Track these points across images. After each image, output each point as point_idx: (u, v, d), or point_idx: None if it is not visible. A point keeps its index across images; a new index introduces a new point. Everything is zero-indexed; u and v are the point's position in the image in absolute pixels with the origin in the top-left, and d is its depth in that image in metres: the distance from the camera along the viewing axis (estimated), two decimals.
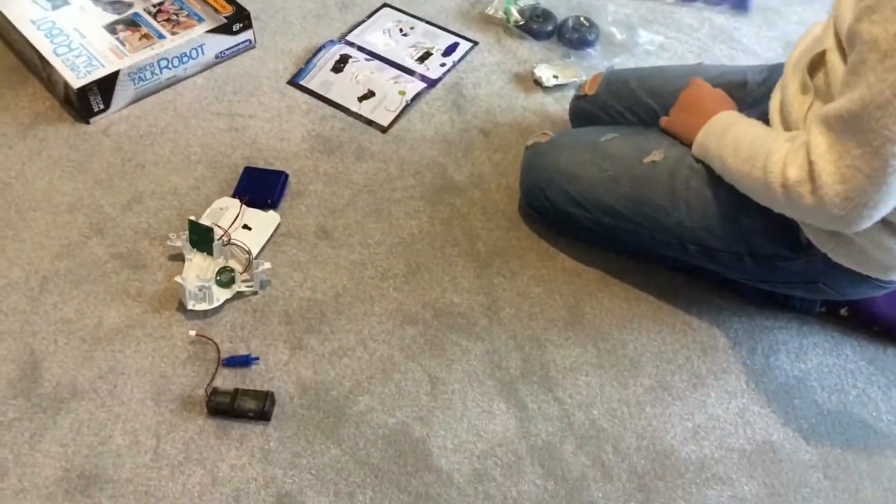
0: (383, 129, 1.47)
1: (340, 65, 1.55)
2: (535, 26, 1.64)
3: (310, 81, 1.53)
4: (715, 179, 1.08)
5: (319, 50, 1.58)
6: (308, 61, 1.56)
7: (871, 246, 0.98)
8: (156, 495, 1.01)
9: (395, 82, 1.53)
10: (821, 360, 1.20)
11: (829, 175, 0.86)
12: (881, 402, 1.16)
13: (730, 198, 1.06)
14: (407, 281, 1.25)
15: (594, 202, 1.18)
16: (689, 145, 1.13)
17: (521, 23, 1.65)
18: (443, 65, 1.58)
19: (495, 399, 1.13)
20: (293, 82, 1.53)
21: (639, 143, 1.18)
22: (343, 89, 1.52)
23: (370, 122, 1.48)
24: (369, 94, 1.51)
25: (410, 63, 1.58)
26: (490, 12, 1.69)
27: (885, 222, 0.94)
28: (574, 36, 1.62)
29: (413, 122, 1.48)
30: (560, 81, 1.55)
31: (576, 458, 1.07)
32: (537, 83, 1.56)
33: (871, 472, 1.09)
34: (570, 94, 1.50)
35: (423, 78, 1.56)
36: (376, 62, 1.57)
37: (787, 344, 1.21)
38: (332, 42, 1.60)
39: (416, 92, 1.52)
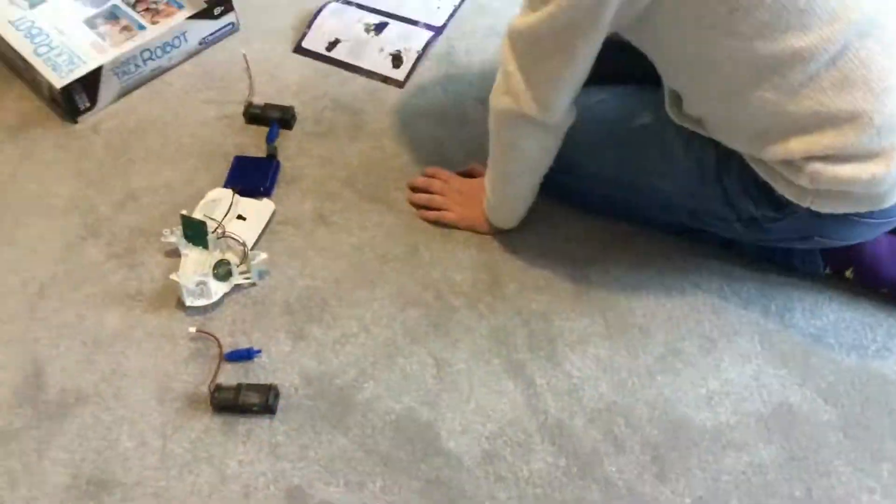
0: (400, 84, 1.44)
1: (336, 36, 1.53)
2: None
3: (315, 45, 1.51)
4: (699, 145, 1.05)
5: (318, 13, 1.55)
6: (309, 24, 1.54)
7: (833, 185, 0.95)
8: (165, 496, 1.00)
9: (401, 35, 1.51)
10: (837, 315, 1.16)
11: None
12: None
13: (713, 162, 1.04)
14: (407, 262, 1.22)
15: (582, 168, 1.16)
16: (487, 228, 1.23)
17: None
18: (439, 8, 1.57)
19: (503, 377, 1.11)
20: (300, 49, 1.51)
21: (627, 105, 1.16)
22: (352, 49, 1.50)
23: (386, 79, 1.45)
24: (381, 50, 1.50)
25: (413, 12, 1.56)
26: None
27: (820, 158, 0.92)
28: None
29: (406, 96, 1.44)
30: None
31: (587, 433, 1.05)
32: None
33: (892, 429, 1.06)
34: None
35: (427, 26, 1.53)
36: (378, 17, 1.55)
37: (802, 301, 1.17)
38: (328, 3, 1.57)
39: (425, 41, 1.49)
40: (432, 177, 1.28)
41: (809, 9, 0.84)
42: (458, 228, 1.24)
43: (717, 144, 1.04)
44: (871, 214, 0.99)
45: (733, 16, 0.85)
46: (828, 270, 1.17)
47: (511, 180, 1.15)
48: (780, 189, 0.99)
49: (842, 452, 1.04)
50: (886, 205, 0.97)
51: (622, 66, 1.23)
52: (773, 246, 1.15)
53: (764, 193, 1.02)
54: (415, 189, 1.28)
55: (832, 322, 1.15)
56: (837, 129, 0.90)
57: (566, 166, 1.15)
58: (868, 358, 1.12)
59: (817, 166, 0.93)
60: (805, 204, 0.99)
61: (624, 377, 1.10)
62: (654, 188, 1.12)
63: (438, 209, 1.25)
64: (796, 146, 0.93)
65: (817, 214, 0.99)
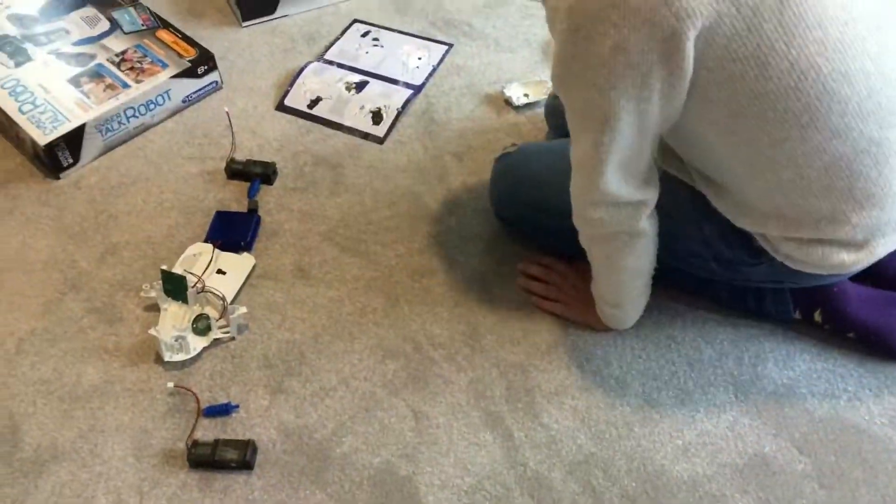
0: (380, 140, 1.47)
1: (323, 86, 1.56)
2: None
3: (297, 103, 1.55)
4: (679, 185, 1.09)
5: (300, 72, 1.59)
6: (291, 83, 1.57)
7: (815, 265, 1.00)
8: None
9: (381, 94, 1.55)
10: (809, 365, 1.18)
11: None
12: (873, 404, 1.14)
13: (693, 204, 1.07)
14: (386, 315, 1.24)
15: (560, 209, 1.17)
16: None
17: None
18: (418, 68, 1.62)
19: (481, 430, 1.11)
20: (282, 106, 1.54)
21: None
22: (333, 106, 1.54)
23: (366, 136, 1.48)
24: (362, 108, 1.53)
25: (392, 72, 1.60)
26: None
27: (816, 242, 0.98)
28: None
29: (386, 152, 1.47)
30: (531, 100, 1.54)
31: (565, 486, 1.06)
32: (508, 103, 1.55)
33: (866, 479, 1.07)
34: (541, 112, 1.50)
35: (407, 85, 1.57)
36: (359, 76, 1.59)
37: (773, 352, 1.19)
38: (310, 63, 1.61)
39: (404, 99, 1.53)
40: (548, 267, 1.26)
41: (812, 124, 0.87)
42: (571, 321, 1.23)
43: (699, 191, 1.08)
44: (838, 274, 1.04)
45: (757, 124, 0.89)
46: (797, 315, 1.20)
47: (619, 289, 1.13)
48: (762, 242, 1.03)
49: (817, 502, 1.05)
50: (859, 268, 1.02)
51: None
52: (746, 286, 1.18)
53: (741, 240, 1.05)
54: (529, 275, 1.27)
55: (804, 372, 1.17)
56: (815, 223, 0.96)
57: (548, 206, 1.18)
58: (840, 408, 1.14)
59: (791, 247, 0.99)
60: (779, 258, 1.03)
61: (602, 428, 1.11)
62: None
63: (555, 300, 1.24)
64: (773, 228, 0.99)
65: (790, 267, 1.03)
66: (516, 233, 1.32)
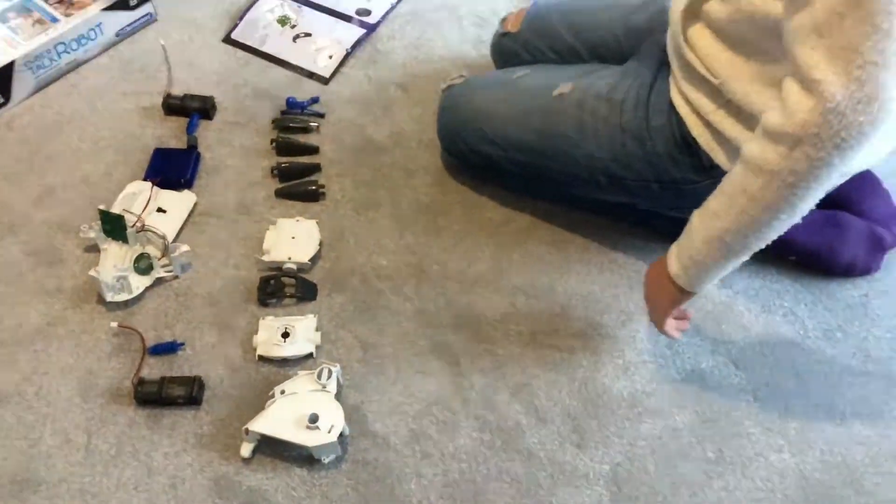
0: (325, 81, 1.44)
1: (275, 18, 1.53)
2: None
3: (245, 37, 1.51)
4: (620, 105, 1.09)
5: (253, 4, 1.55)
6: (241, 17, 1.53)
7: None
8: (91, 491, 1.00)
9: (332, 30, 1.51)
10: (746, 283, 1.21)
11: (844, 87, 0.73)
12: (807, 319, 1.18)
13: (634, 123, 1.07)
14: (333, 248, 1.23)
15: (507, 139, 1.18)
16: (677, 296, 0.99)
17: None
18: (368, 10, 1.56)
19: (428, 358, 1.13)
20: (229, 39, 1.50)
21: (550, 77, 1.18)
22: (279, 41, 1.50)
23: (311, 75, 1.45)
24: (307, 47, 1.48)
25: (346, 8, 1.56)
26: None
27: None
28: None
29: (330, 84, 1.45)
30: None
31: (510, 407, 1.08)
32: None
33: (798, 390, 1.11)
34: (488, 40, 1.47)
35: (361, 24, 1.53)
36: (311, 11, 1.55)
37: None
38: None
39: (356, 39, 1.49)
40: None
41: None
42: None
43: (647, 109, 1.06)
44: None
45: None
46: None
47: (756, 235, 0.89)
48: (718, 157, 1.00)
49: (751, 414, 1.09)
50: None
51: None
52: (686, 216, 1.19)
53: (688, 157, 1.05)
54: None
55: (741, 289, 1.20)
56: None
57: (494, 138, 1.18)
58: (776, 323, 1.17)
59: None
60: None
61: (545, 352, 1.13)
62: (574, 156, 1.13)
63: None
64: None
65: None
66: (462, 164, 1.31)
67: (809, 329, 1.17)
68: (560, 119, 1.14)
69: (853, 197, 1.20)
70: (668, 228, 1.22)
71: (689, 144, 1.03)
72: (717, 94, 0.97)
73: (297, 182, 1.29)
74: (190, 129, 1.34)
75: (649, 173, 1.10)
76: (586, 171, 1.14)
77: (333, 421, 0.99)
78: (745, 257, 0.91)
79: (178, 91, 1.40)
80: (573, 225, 1.26)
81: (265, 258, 1.19)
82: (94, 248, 1.20)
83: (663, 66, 1.08)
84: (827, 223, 1.19)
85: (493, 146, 1.20)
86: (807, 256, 1.20)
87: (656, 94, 1.07)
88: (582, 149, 1.12)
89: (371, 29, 1.52)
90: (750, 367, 1.13)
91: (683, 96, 1.03)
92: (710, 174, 1.04)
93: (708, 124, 1.00)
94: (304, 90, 1.43)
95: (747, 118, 0.95)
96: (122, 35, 1.48)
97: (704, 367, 1.12)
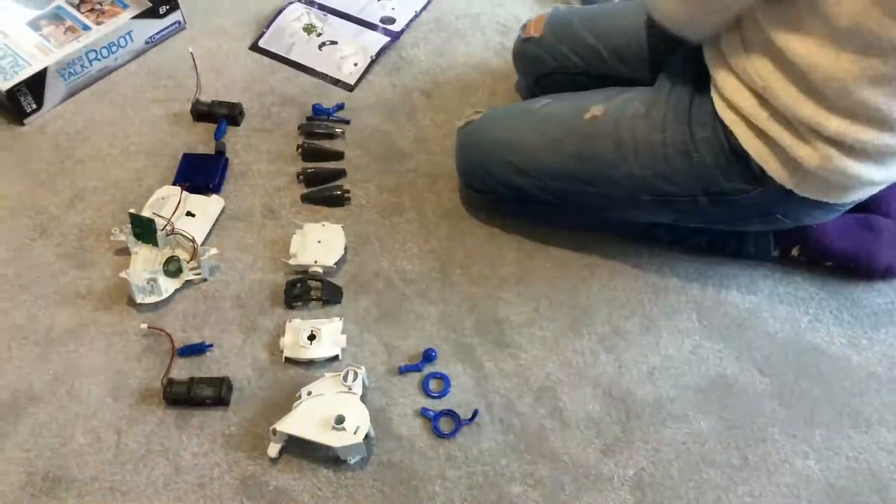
0: (350, 88, 1.46)
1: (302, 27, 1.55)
2: None
3: (271, 45, 1.53)
4: (661, 121, 1.07)
5: (280, 12, 1.57)
6: (267, 26, 1.55)
7: (834, 175, 0.96)
8: (121, 490, 1.02)
9: (357, 38, 1.53)
10: (772, 290, 1.21)
11: None
12: (833, 325, 1.17)
13: (678, 137, 1.05)
14: (357, 252, 1.25)
15: (539, 167, 1.15)
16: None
17: None
18: (392, 18, 1.58)
19: (452, 362, 1.13)
20: (256, 47, 1.53)
21: (576, 103, 1.16)
22: (305, 49, 1.52)
23: (337, 82, 1.47)
24: (333, 54, 1.51)
25: (371, 16, 1.58)
26: None
27: (842, 147, 0.93)
28: None
29: (354, 91, 1.46)
30: None
31: (534, 411, 1.09)
32: None
33: (825, 396, 1.11)
34: (510, 47, 1.48)
35: (385, 32, 1.55)
36: (337, 19, 1.57)
37: (736, 277, 1.22)
38: (290, 2, 1.59)
39: (380, 46, 1.51)
40: None
41: None
42: None
43: (689, 122, 1.04)
44: (836, 203, 1.02)
45: None
46: (776, 253, 1.21)
47: None
48: (769, 165, 0.99)
49: (776, 420, 1.09)
50: (855, 199, 1.02)
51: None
52: (729, 230, 1.18)
53: (736, 166, 1.03)
54: None
55: (766, 297, 1.20)
56: (883, 132, 0.90)
57: (525, 168, 1.16)
58: (801, 330, 1.17)
59: (832, 152, 0.93)
60: (789, 186, 0.99)
61: (569, 357, 1.14)
62: (614, 177, 1.10)
63: None
64: (836, 125, 0.91)
65: (787, 192, 1.00)
66: (485, 199, 1.28)
67: (835, 336, 1.16)
68: (597, 142, 1.11)
69: (880, 195, 1.19)
70: (669, 237, 1.23)
71: (737, 154, 1.01)
72: (767, 102, 0.96)
73: (322, 187, 1.31)
74: (218, 134, 1.37)
75: (697, 187, 1.07)
76: (628, 190, 1.11)
77: (359, 422, 1.00)
78: None
79: (206, 98, 1.42)
80: (596, 230, 1.26)
81: (292, 262, 1.20)
82: (124, 251, 1.22)
83: (701, 77, 1.05)
84: (860, 227, 1.19)
85: (523, 176, 1.17)
86: (844, 261, 1.19)
87: (697, 107, 1.05)
88: (622, 169, 1.09)
89: (395, 37, 1.54)
90: (775, 373, 1.13)
91: (728, 104, 1.00)
92: (761, 182, 1.02)
93: (760, 133, 0.99)
94: (330, 97, 1.45)
95: (797, 126, 0.94)
96: (152, 42, 1.51)
97: (729, 373, 1.12)
